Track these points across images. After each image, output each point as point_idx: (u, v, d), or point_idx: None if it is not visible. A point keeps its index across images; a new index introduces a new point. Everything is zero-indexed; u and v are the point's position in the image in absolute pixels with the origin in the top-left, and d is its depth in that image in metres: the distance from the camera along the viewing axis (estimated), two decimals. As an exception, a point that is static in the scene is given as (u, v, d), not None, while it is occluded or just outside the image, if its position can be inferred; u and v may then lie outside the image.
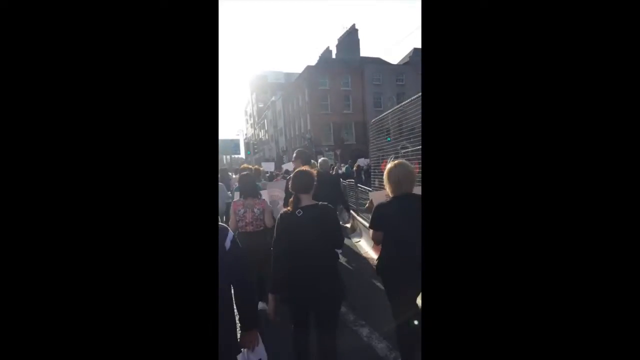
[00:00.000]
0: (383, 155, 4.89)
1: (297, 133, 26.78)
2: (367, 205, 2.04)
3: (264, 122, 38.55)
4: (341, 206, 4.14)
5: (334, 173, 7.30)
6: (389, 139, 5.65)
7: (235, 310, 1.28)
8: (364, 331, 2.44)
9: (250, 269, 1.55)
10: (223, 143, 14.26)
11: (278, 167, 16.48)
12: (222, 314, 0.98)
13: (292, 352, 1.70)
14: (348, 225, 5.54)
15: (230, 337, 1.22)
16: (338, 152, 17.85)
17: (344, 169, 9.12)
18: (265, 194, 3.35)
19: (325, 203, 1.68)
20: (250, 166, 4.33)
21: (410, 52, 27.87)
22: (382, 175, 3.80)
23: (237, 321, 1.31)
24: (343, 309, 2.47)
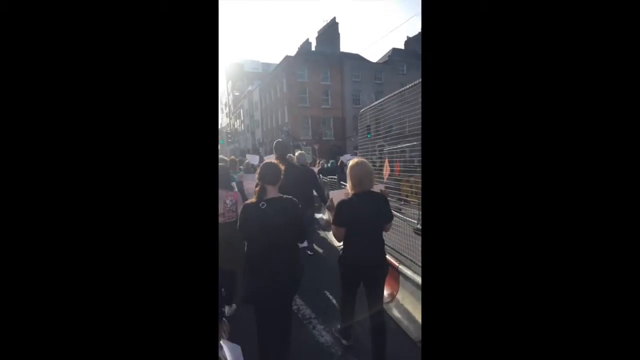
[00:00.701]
0: (373, 151, 4.69)
1: (274, 125, 26.19)
2: (328, 203, 2.06)
3: (239, 112, 37.26)
4: (319, 202, 4.15)
5: (318, 168, 7.25)
6: (369, 135, 5.60)
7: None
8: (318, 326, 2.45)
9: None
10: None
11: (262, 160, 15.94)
12: None
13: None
14: (325, 217, 5.46)
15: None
16: (316, 147, 17.63)
17: (329, 164, 9.10)
18: (243, 185, 3.33)
19: (290, 197, 1.69)
20: (225, 157, 4.14)
21: (389, 51, 28.12)
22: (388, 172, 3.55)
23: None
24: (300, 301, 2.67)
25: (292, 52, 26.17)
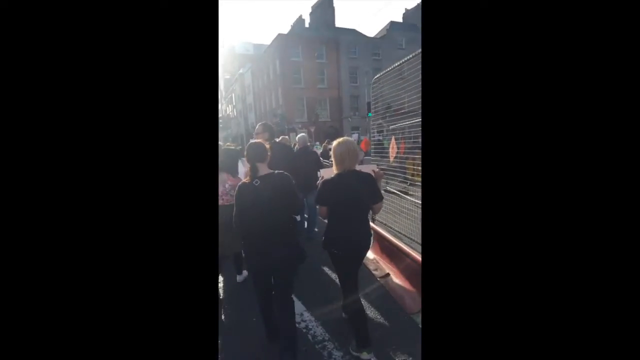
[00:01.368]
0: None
1: (267, 108, 25.13)
2: (318, 182, 1.94)
3: (231, 97, 36.00)
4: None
5: (322, 151, 7.30)
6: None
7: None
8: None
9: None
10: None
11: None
12: None
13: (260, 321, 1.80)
14: None
15: None
16: (312, 129, 16.85)
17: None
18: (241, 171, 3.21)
19: (282, 171, 1.71)
20: (233, 145, 4.13)
21: (387, 25, 26.68)
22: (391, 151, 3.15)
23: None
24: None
25: (285, 30, 24.69)
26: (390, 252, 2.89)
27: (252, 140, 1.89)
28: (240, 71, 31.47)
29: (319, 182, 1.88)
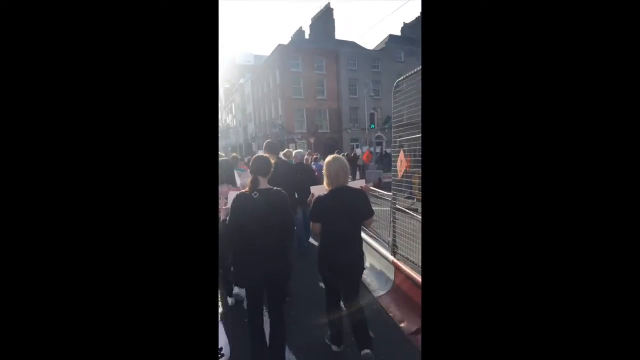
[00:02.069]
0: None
1: (267, 119, 25.08)
2: (309, 199, 1.90)
3: (231, 107, 36.05)
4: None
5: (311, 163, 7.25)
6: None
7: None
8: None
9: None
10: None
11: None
12: None
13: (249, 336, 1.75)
14: None
15: None
16: (312, 140, 16.72)
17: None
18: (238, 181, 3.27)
19: (279, 189, 1.75)
20: (236, 154, 4.29)
21: (385, 38, 27.03)
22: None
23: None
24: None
25: (285, 41, 24.87)
26: (416, 294, 2.37)
27: (259, 153, 1.96)
28: (241, 81, 31.59)
29: (310, 199, 1.91)
